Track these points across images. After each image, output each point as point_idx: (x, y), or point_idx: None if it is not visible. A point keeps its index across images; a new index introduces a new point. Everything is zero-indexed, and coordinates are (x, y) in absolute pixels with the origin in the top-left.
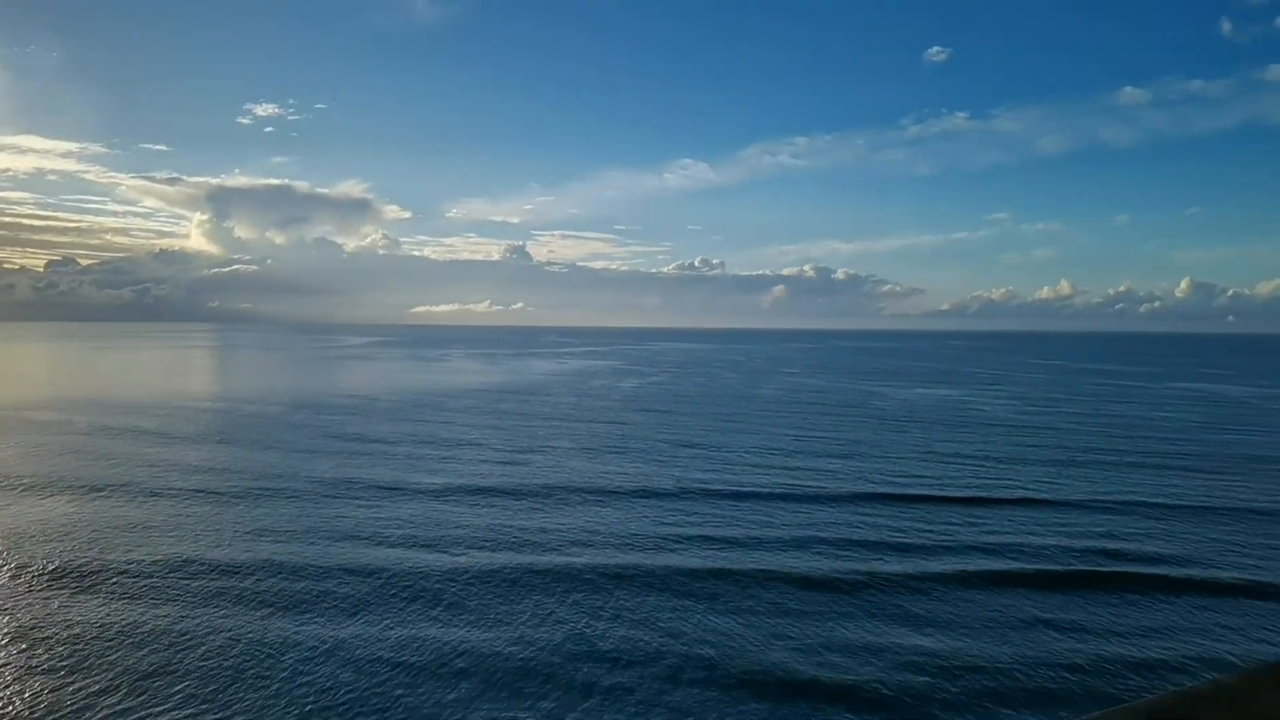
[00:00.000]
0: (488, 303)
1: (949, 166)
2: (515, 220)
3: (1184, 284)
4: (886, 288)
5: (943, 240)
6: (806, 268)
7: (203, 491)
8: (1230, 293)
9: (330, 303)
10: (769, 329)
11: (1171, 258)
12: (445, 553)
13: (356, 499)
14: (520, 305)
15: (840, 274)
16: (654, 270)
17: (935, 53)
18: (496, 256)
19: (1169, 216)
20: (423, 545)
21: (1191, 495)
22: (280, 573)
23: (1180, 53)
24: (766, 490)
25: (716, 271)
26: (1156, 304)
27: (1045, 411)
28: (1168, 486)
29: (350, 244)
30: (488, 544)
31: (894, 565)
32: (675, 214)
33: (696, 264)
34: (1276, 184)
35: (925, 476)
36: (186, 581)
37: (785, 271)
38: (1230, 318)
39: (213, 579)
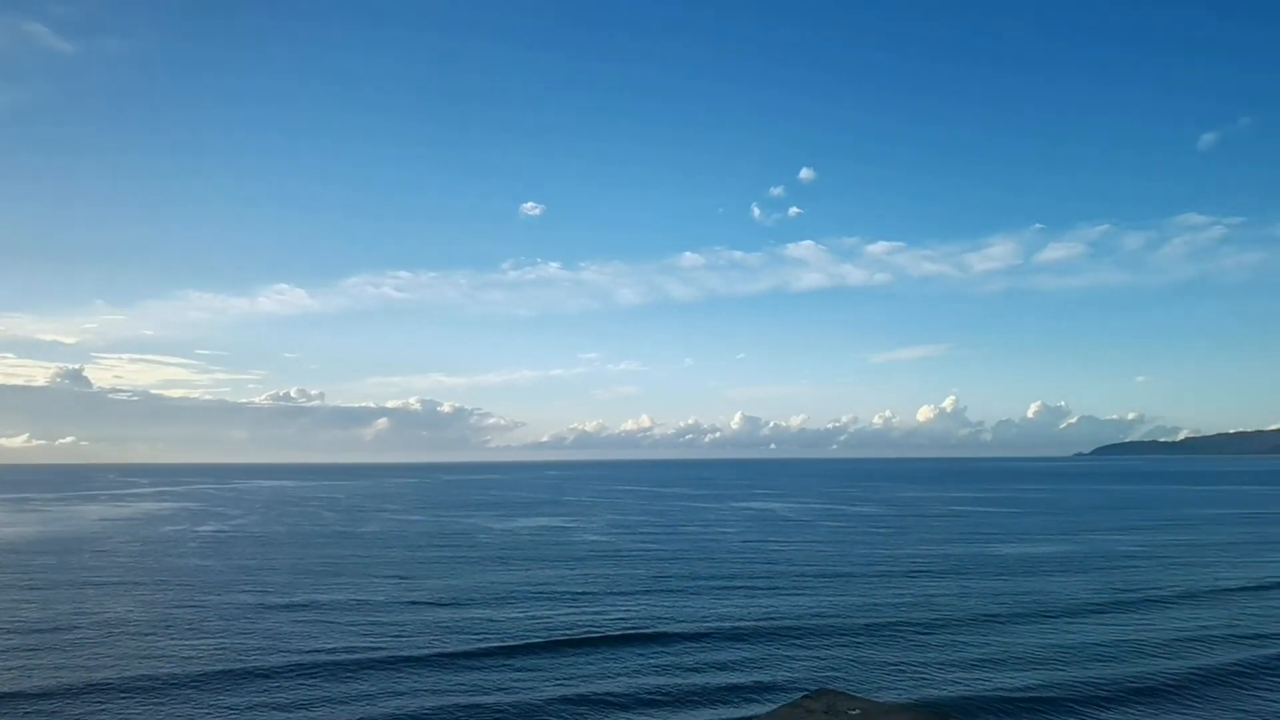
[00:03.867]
0: (26, 436)
1: (546, 310)
2: (70, 340)
3: (737, 417)
4: (491, 420)
5: (542, 376)
6: (412, 400)
7: None
8: (771, 424)
9: None
10: (373, 463)
11: (727, 394)
12: None
13: None
14: (71, 439)
15: (446, 407)
16: (243, 400)
17: (530, 207)
18: (43, 381)
19: (723, 360)
20: None
21: (759, 613)
22: None
23: (725, 228)
24: (365, 656)
25: (315, 402)
26: (717, 434)
27: (634, 535)
28: (746, 607)
29: None
30: None
31: None
32: (269, 341)
33: (292, 394)
34: (796, 338)
35: (534, 618)
36: None
37: (390, 404)
38: (772, 445)
39: None
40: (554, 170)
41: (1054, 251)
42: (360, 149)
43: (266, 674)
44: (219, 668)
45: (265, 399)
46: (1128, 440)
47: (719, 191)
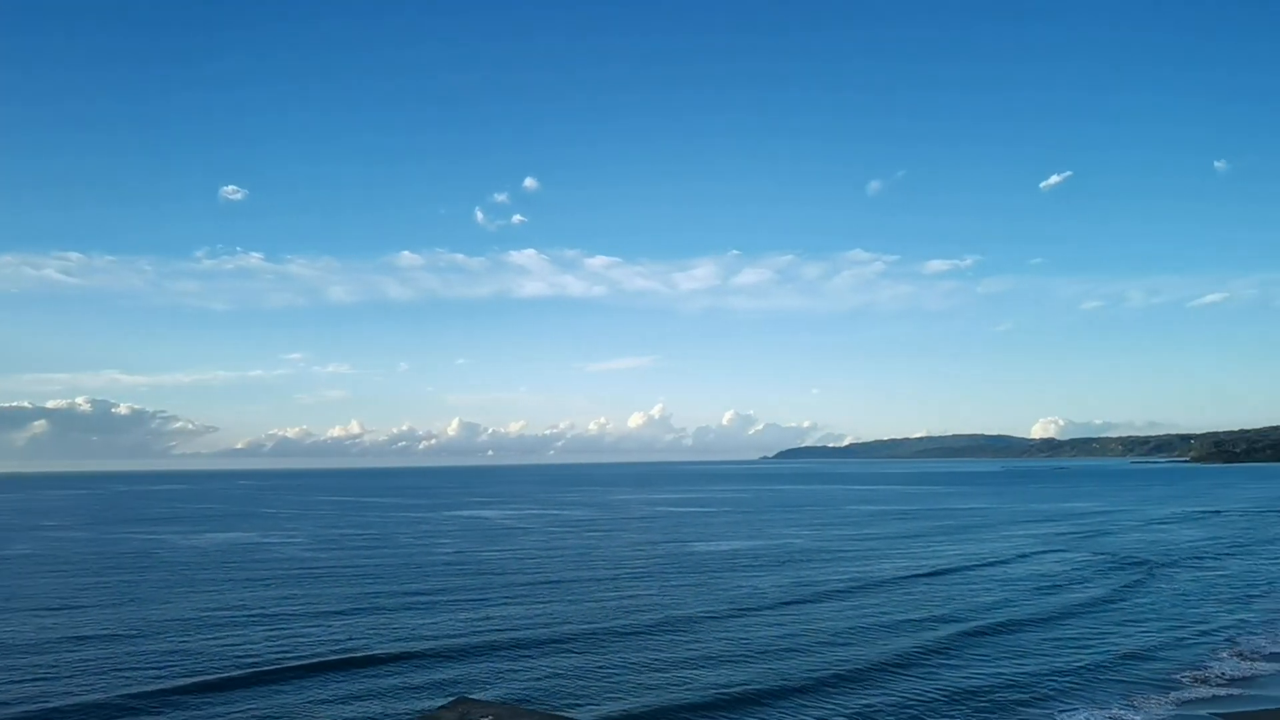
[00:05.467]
0: None
1: (245, 304)
2: None
3: (455, 423)
4: (177, 425)
5: (238, 377)
6: (80, 400)
7: None
8: (490, 431)
9: None
10: (26, 472)
11: (444, 400)
12: None
13: None
14: None
15: (123, 409)
16: None
17: (231, 191)
18: None
19: (442, 365)
20: None
21: (463, 628)
22: None
23: (447, 230)
24: (8, 712)
25: None
26: (433, 440)
27: (339, 550)
28: (450, 622)
29: None
30: None
31: None
32: None
33: None
34: (518, 344)
35: (224, 647)
36: None
37: (51, 404)
38: (490, 451)
39: None
40: (258, 152)
41: (748, 276)
42: (20, 109)
43: None
44: None
45: None
46: (803, 445)
47: (441, 192)
